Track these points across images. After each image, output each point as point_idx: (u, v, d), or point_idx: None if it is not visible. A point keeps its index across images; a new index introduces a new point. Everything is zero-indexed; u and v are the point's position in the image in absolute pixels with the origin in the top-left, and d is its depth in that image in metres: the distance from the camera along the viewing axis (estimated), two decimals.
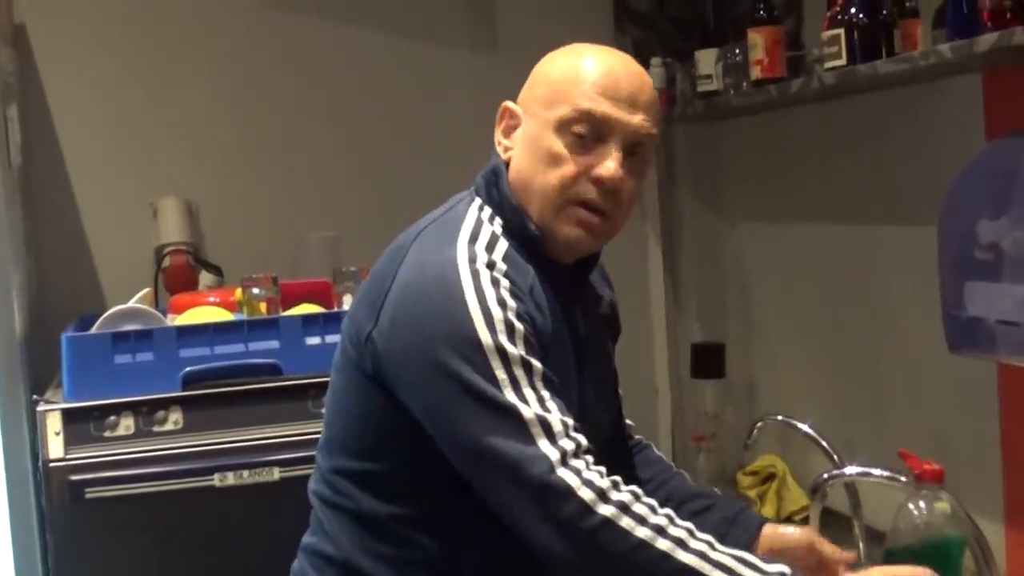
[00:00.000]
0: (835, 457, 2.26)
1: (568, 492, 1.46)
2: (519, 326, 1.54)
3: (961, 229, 1.93)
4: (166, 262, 3.00)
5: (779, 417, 2.45)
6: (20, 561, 2.43)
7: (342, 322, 1.72)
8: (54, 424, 2.37)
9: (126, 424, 2.39)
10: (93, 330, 2.50)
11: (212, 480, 2.39)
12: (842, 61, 2.30)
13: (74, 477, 2.35)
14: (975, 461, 2.31)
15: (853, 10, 2.27)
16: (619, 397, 1.90)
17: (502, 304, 1.54)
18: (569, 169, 1.63)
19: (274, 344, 2.50)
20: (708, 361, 3.14)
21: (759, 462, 2.90)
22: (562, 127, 1.63)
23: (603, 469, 1.49)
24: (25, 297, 2.67)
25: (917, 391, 2.49)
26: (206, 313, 2.58)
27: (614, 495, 1.47)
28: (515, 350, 1.52)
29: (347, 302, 2.61)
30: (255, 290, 2.57)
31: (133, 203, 3.06)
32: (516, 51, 3.30)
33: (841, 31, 2.28)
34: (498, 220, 1.67)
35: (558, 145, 1.63)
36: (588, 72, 1.64)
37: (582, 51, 1.68)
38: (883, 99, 2.48)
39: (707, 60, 2.87)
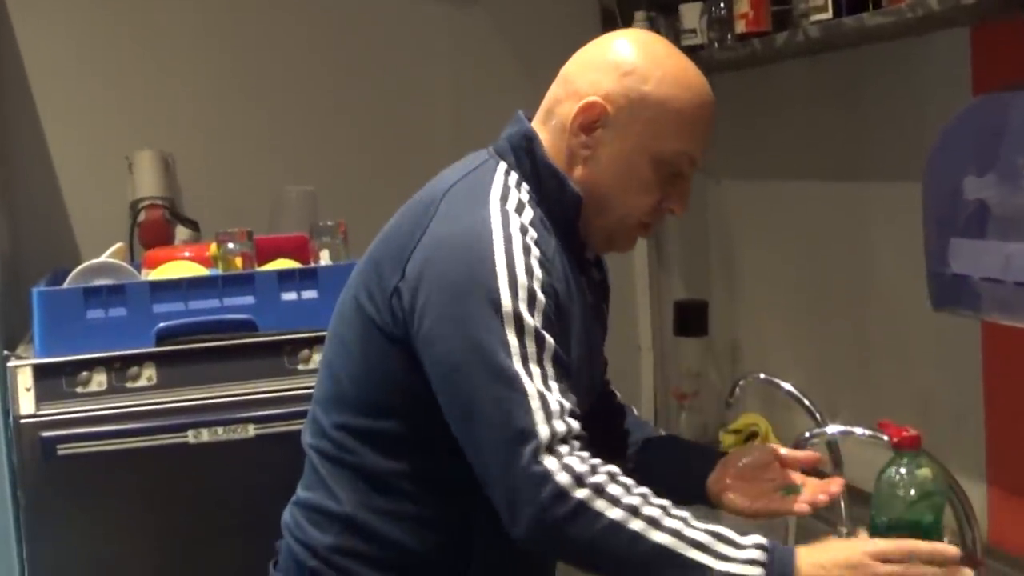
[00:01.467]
0: (817, 416, 2.27)
1: (545, 478, 1.44)
2: (541, 298, 1.52)
3: (946, 185, 1.90)
4: (142, 216, 2.96)
5: (761, 375, 2.44)
6: None
7: (352, 277, 1.70)
8: (25, 380, 2.34)
9: (99, 380, 2.37)
10: (65, 285, 2.46)
11: (186, 436, 2.36)
12: (828, 14, 2.27)
13: (46, 433, 2.33)
14: (958, 420, 2.30)
15: None
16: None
17: (529, 272, 1.53)
18: (655, 198, 1.66)
19: (249, 300, 2.47)
20: (691, 319, 3.13)
21: (741, 420, 2.88)
22: (662, 161, 1.64)
23: (586, 454, 1.47)
24: None
25: (901, 350, 2.48)
26: (180, 268, 2.55)
27: (590, 479, 1.45)
28: (532, 321, 1.50)
29: (324, 257, 2.59)
30: (230, 245, 2.54)
31: (108, 156, 3.02)
32: (497, 4, 3.29)
33: None
34: (525, 186, 1.65)
35: (652, 176, 1.65)
36: (698, 112, 1.65)
37: (691, 78, 1.65)
38: (869, 54, 2.45)
39: (691, 14, 2.84)
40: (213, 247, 2.59)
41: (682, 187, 1.68)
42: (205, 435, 2.36)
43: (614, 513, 1.43)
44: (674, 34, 2.95)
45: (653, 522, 1.43)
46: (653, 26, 3.08)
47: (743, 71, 2.93)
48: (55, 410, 2.34)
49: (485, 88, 3.28)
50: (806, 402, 2.30)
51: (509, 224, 1.56)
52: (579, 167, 1.66)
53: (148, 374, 2.38)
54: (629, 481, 1.47)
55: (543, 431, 1.45)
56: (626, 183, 1.65)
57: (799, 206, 2.83)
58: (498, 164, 1.67)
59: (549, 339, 1.51)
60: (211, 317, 2.44)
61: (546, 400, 1.47)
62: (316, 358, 2.41)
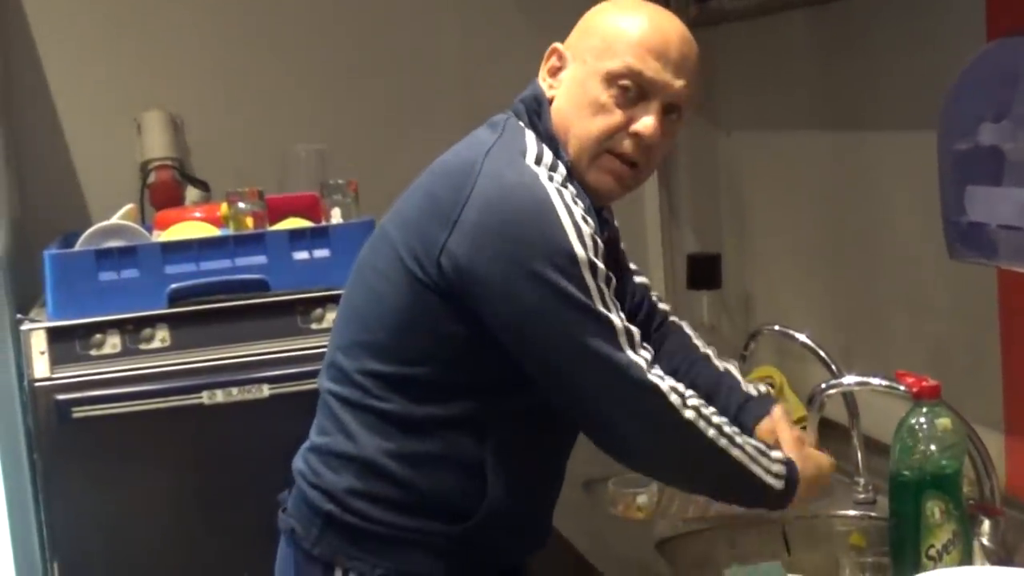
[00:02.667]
0: (833, 367, 2.27)
1: (661, 393, 1.63)
2: (600, 243, 1.65)
3: (961, 132, 1.88)
4: (151, 178, 2.96)
5: (776, 327, 2.43)
6: (9, 481, 2.42)
7: (384, 233, 1.74)
8: (39, 343, 2.35)
9: (112, 342, 2.38)
10: (76, 247, 2.46)
11: (200, 398, 2.38)
12: None
13: (60, 396, 2.34)
14: (974, 370, 2.28)
15: None
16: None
17: (586, 222, 1.64)
18: (611, 120, 1.72)
19: (261, 259, 2.47)
20: (704, 272, 3.10)
21: (756, 373, 2.87)
22: (610, 80, 1.71)
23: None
24: (7, 215, 2.63)
25: (916, 300, 2.46)
26: (191, 228, 2.55)
27: (691, 400, 1.66)
28: (601, 265, 1.63)
29: (336, 216, 2.59)
30: (241, 204, 2.54)
31: (117, 118, 3.02)
32: None
33: None
34: (546, 148, 1.73)
35: (604, 96, 1.72)
36: (642, 31, 1.72)
37: (639, 8, 1.76)
38: (882, 1, 2.42)
39: None
40: (224, 207, 2.59)
41: (644, 108, 1.72)
42: (220, 396, 2.37)
43: (711, 432, 1.66)
44: None
45: (731, 440, 1.68)
46: None
47: (753, 20, 2.89)
48: (69, 373, 2.36)
49: (495, 43, 3.26)
50: (821, 353, 2.30)
51: (554, 180, 1.67)
52: (552, 107, 1.77)
53: (161, 335, 2.39)
54: (709, 405, 1.70)
55: (640, 359, 1.63)
56: (581, 106, 1.73)
57: (810, 156, 2.80)
58: (518, 125, 1.77)
59: (612, 279, 1.66)
60: (223, 277, 2.44)
61: (631, 332, 1.63)
62: (329, 317, 2.43)
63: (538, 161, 1.69)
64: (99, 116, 3.04)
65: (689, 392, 1.67)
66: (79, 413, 2.33)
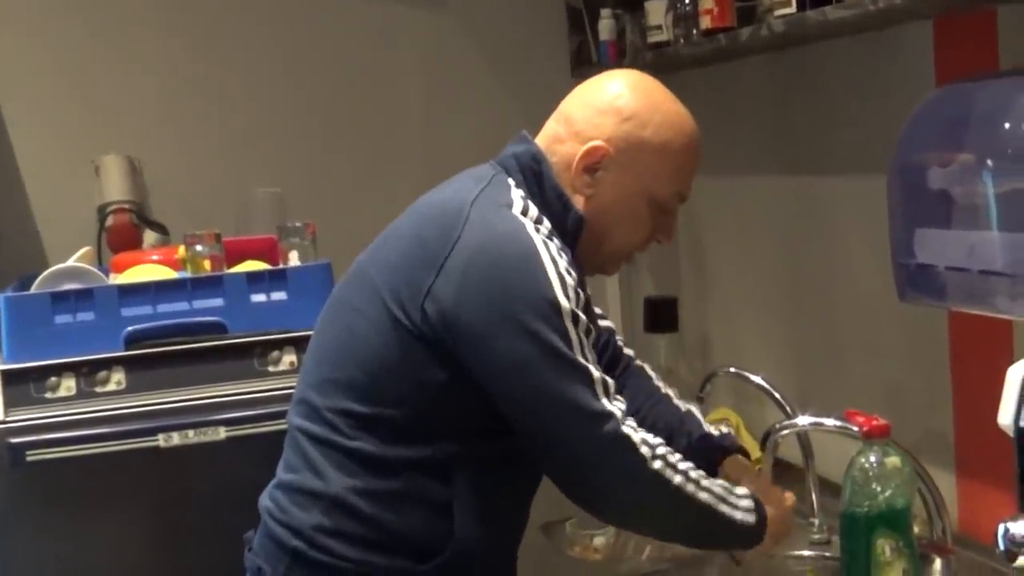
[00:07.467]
0: (787, 408, 2.28)
1: (633, 446, 1.63)
2: (582, 295, 1.68)
3: (911, 176, 1.90)
4: (109, 221, 2.94)
5: (732, 369, 2.44)
6: None
7: (362, 274, 1.77)
8: None
9: (67, 385, 2.34)
10: (32, 289, 2.44)
11: (157, 440, 2.33)
12: (791, 9, 2.27)
13: (15, 440, 2.29)
14: (927, 412, 2.31)
15: None
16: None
17: (570, 274, 1.67)
18: (646, 234, 1.83)
19: (218, 302, 2.45)
20: (661, 315, 3.11)
21: (713, 415, 2.88)
22: (658, 201, 1.81)
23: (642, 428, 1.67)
24: None
25: (870, 342, 2.48)
26: (148, 271, 2.53)
27: (659, 449, 1.66)
28: (583, 316, 1.65)
29: (293, 258, 2.57)
30: (198, 247, 2.52)
31: (75, 161, 3.01)
32: (466, 8, 3.29)
33: None
34: (531, 203, 1.75)
35: (647, 213, 1.81)
36: (692, 157, 1.83)
37: (686, 127, 1.83)
38: (834, 48, 2.46)
39: (657, 11, 2.84)
40: (181, 250, 2.57)
41: (670, 220, 1.85)
42: (176, 439, 2.34)
43: (678, 480, 1.66)
44: (640, 31, 2.96)
45: (697, 484, 1.68)
46: (618, 24, 3.10)
47: (709, 67, 2.93)
48: (24, 416, 2.31)
49: (454, 89, 3.28)
50: (776, 395, 2.31)
51: (540, 232, 1.69)
52: (581, 202, 1.79)
53: (117, 378, 2.36)
54: (675, 452, 1.69)
55: (615, 409, 1.63)
56: (624, 220, 1.81)
57: (767, 201, 2.83)
58: (507, 179, 1.79)
59: (592, 329, 1.69)
60: (180, 320, 2.41)
61: (607, 384, 1.65)
62: (287, 359, 2.41)
63: (524, 213, 1.72)
64: (57, 159, 3.03)
65: (657, 441, 1.67)
66: (33, 456, 2.29)
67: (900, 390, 2.37)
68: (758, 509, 1.74)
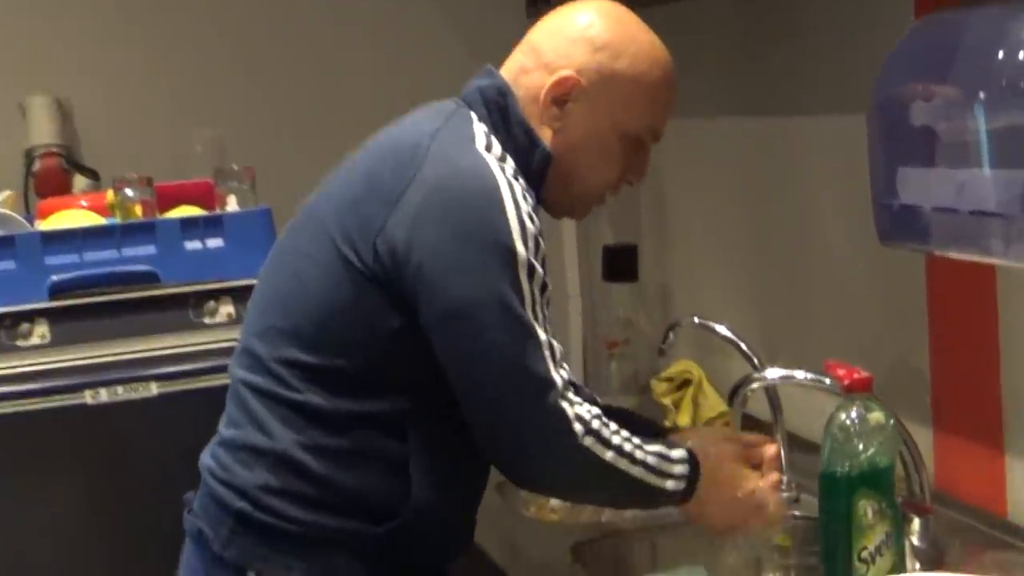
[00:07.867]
0: (755, 360, 2.20)
1: (567, 422, 1.57)
2: (542, 244, 1.61)
3: (892, 113, 1.81)
4: (36, 165, 2.86)
5: (695, 319, 2.37)
6: None
7: (313, 213, 1.70)
8: None
9: None
10: None
11: (83, 397, 2.28)
12: None
13: None
14: (902, 363, 2.24)
15: None
16: None
17: (531, 219, 1.60)
18: (618, 173, 1.77)
19: (150, 250, 2.39)
20: (620, 264, 3.06)
21: (674, 368, 2.83)
22: (630, 136, 1.74)
23: (581, 399, 1.61)
24: None
25: (842, 291, 2.42)
26: (75, 217, 2.46)
27: (594, 424, 1.59)
28: (540, 268, 1.59)
29: (231, 204, 2.51)
30: (128, 192, 2.44)
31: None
32: None
33: None
34: (495, 139, 1.69)
35: (619, 149, 1.75)
36: (667, 91, 1.76)
37: (661, 59, 1.76)
38: None
39: None
40: (110, 194, 2.49)
41: (643, 159, 1.79)
42: (104, 395, 2.28)
43: (609, 455, 1.59)
44: None
45: (631, 458, 1.61)
46: None
47: (674, 4, 2.82)
48: None
49: (403, 29, 3.20)
50: (743, 346, 2.24)
51: (505, 171, 1.61)
52: (549, 137, 1.72)
53: (41, 331, 2.30)
54: (614, 424, 1.62)
55: (557, 378, 1.57)
56: (594, 157, 1.74)
57: (733, 143, 2.76)
58: (470, 113, 1.71)
59: (548, 285, 1.61)
60: (109, 269, 2.35)
61: (553, 347, 1.58)
62: (224, 311, 2.36)
63: (488, 149, 1.65)
64: None
65: (593, 413, 1.60)
66: None
67: (874, 341, 2.31)
68: (691, 475, 1.66)
